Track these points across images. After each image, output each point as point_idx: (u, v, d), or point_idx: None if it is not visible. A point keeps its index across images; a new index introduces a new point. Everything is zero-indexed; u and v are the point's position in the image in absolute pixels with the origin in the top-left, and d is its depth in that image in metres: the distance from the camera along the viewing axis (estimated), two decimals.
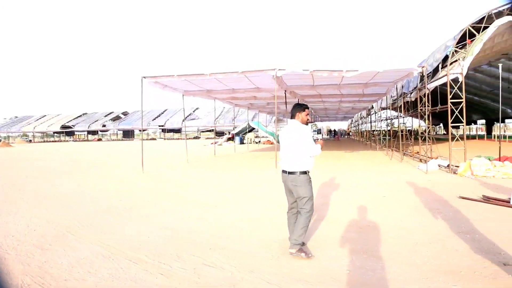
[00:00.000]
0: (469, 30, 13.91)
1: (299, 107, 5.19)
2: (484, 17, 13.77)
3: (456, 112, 13.58)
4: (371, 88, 19.94)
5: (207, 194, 9.92)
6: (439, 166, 14.50)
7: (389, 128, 29.15)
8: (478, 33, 13.75)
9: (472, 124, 62.11)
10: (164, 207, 8.36)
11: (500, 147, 14.66)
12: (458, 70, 13.61)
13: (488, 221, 6.47)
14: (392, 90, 21.27)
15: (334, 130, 72.17)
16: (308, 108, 5.26)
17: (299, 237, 4.93)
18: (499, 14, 13.64)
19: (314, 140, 5.18)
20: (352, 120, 68.52)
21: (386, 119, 29.39)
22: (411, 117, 22.46)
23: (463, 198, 8.62)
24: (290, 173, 5.03)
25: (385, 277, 4.22)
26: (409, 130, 25.63)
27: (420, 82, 17.41)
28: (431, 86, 15.68)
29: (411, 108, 20.88)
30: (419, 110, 17.26)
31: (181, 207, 8.27)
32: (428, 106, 15.56)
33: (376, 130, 36.38)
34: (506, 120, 53.07)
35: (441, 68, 15.18)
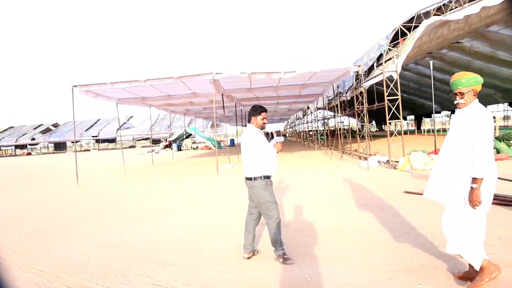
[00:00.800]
0: (401, 29, 14.35)
1: (254, 110, 4.93)
2: (414, 17, 14.25)
3: (393, 108, 13.93)
4: (308, 89, 20.13)
5: (149, 206, 9.41)
6: (378, 162, 14.80)
7: (325, 127, 29.65)
8: (410, 32, 14.21)
9: (403, 120, 65.01)
10: (104, 222, 7.79)
11: (435, 141, 15.25)
12: (393, 68, 13.99)
13: (435, 214, 6.51)
14: (328, 90, 21.60)
15: (271, 132, 72.70)
16: (264, 111, 4.97)
17: (274, 244, 4.83)
18: (427, 14, 14.17)
19: (277, 142, 4.95)
20: (288, 122, 69.44)
21: (323, 119, 29.93)
22: (347, 116, 22.97)
23: (408, 192, 8.75)
24: (247, 179, 4.87)
25: (347, 282, 4.04)
26: (345, 128, 26.20)
27: (355, 81, 17.76)
28: (367, 84, 16.03)
29: (347, 107, 21.32)
30: (356, 109, 17.61)
31: (122, 221, 7.74)
32: (365, 104, 15.87)
33: (313, 130, 36.95)
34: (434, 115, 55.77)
35: (376, 67, 15.56)
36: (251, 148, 4.76)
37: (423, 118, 60.86)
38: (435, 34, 17.48)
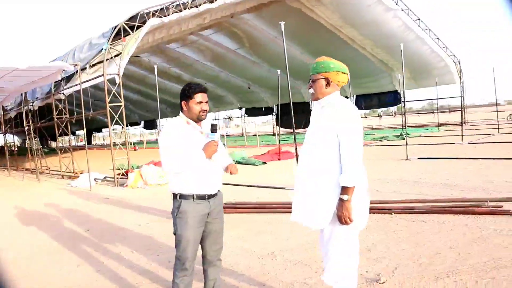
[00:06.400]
0: (123, 27, 12.75)
1: (184, 93, 3.07)
2: (137, 15, 13.00)
3: (116, 116, 12.21)
4: None
5: None
6: (95, 180, 12.81)
7: None
8: (133, 31, 12.82)
9: (72, 135, 62.38)
10: None
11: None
12: (115, 70, 12.21)
13: (262, 235, 5.45)
14: (14, 98, 17.85)
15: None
16: (201, 91, 3.05)
17: None
18: (148, 15, 13.23)
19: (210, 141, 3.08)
20: None
21: None
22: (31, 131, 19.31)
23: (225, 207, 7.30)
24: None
25: None
26: (28, 144, 22.39)
27: (54, 87, 15.03)
28: (69, 91, 14.00)
29: (36, 119, 18.09)
30: (55, 119, 15.03)
31: None
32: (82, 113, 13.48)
33: None
34: (104, 130, 55.71)
35: (90, 68, 13.32)
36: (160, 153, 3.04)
37: (93, 132, 60.50)
38: (146, 39, 16.57)
